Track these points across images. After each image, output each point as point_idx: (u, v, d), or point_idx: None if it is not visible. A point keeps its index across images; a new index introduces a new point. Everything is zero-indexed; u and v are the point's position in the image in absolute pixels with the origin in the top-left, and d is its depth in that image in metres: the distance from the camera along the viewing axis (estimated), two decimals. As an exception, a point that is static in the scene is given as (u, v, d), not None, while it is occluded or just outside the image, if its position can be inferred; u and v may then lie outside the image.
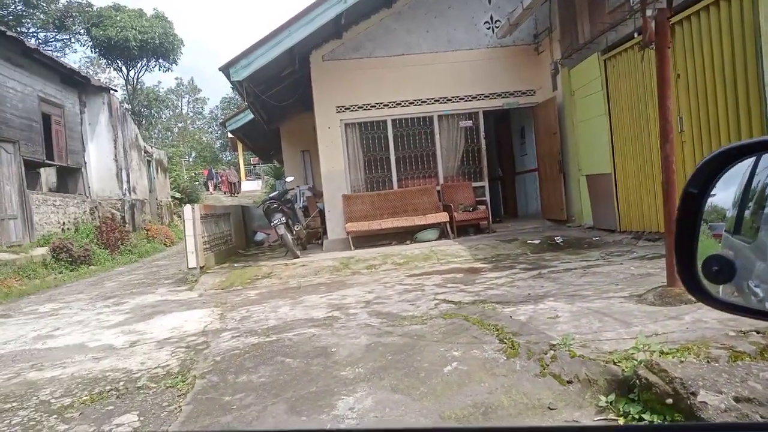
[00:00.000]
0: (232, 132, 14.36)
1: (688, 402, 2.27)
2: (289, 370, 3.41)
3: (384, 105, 10.51)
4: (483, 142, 10.72)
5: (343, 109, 10.45)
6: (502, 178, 13.17)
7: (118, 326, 5.45)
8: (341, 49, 10.40)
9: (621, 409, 2.51)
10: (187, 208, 8.51)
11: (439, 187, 10.51)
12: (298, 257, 9.22)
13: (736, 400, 2.22)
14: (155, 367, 3.83)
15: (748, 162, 0.79)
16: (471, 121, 10.70)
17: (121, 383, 3.54)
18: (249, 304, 5.98)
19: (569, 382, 2.81)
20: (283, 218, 9.25)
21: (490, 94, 10.63)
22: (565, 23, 9.61)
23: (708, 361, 2.57)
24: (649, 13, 3.94)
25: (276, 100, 11.14)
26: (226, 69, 8.66)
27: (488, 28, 10.58)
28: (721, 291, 0.81)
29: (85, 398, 3.32)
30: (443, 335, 3.74)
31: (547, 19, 10.17)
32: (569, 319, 3.70)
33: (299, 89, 11.87)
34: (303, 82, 11.32)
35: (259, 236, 14.21)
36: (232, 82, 9.07)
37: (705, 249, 0.82)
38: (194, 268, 8.48)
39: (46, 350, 4.69)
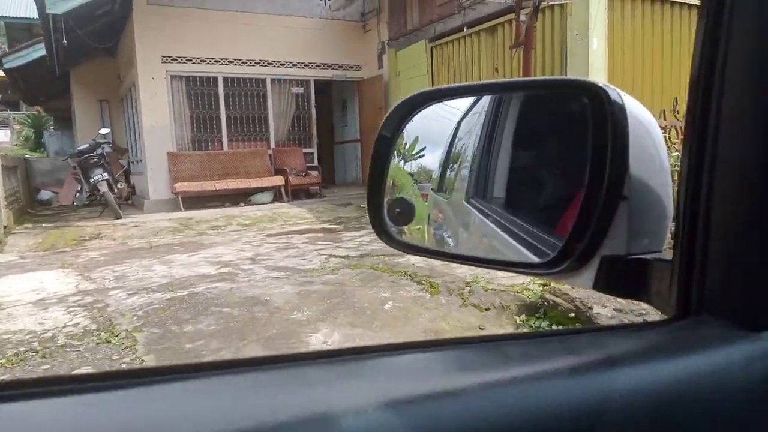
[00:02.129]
0: (7, 70, 11.99)
1: (587, 314, 3.21)
2: (233, 318, 3.52)
3: (215, 61, 10.12)
4: (313, 110, 11.11)
5: (169, 59, 9.75)
6: (320, 146, 13.73)
7: (-56, 292, 4.59)
8: (169, -6, 9.64)
9: (533, 325, 3.36)
10: (-13, 158, 7.20)
11: (270, 151, 10.61)
12: (120, 217, 8.51)
13: (616, 310, 3.22)
14: (62, 327, 3.51)
15: (452, 128, 0.86)
16: (302, 88, 10.98)
17: (35, 343, 3.22)
18: (105, 265, 5.53)
19: (487, 309, 3.58)
20: (105, 174, 8.40)
21: (322, 64, 11.02)
22: (394, 7, 10.47)
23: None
24: (522, 18, 4.87)
25: (90, 39, 9.81)
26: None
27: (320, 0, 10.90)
28: (405, 233, 0.86)
29: (0, 361, 2.97)
30: (362, 282, 4.21)
31: (376, 0, 10.92)
32: (460, 265, 4.51)
33: (112, 32, 10.60)
34: (116, 26, 10.17)
35: (45, 194, 12.36)
36: (43, 15, 7.80)
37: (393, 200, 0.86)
38: (-5, 227, 7.25)
39: None
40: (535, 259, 0.63)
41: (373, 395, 0.32)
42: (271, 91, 10.66)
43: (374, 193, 0.77)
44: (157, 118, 9.71)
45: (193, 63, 9.96)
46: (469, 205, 0.91)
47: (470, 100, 0.89)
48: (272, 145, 10.70)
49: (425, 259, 1.00)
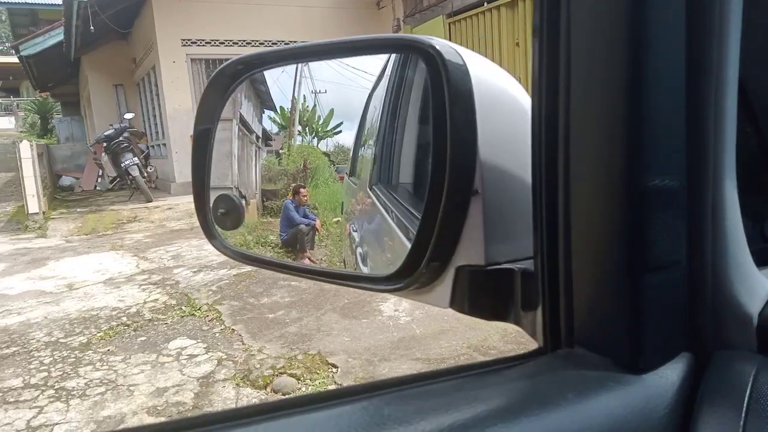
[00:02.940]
0: (22, 57, 12.04)
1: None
2: (304, 290, 3.74)
3: (234, 43, 10.18)
4: (330, 88, 11.21)
5: (189, 42, 9.83)
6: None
7: (9, 275, 4.82)
8: (186, -22, 9.67)
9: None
10: (25, 145, 7.39)
11: (289, 131, 10.74)
12: (151, 200, 8.70)
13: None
14: (143, 303, 3.74)
15: (365, 98, 0.68)
16: (318, 68, 11.05)
17: (123, 318, 3.44)
18: (155, 246, 5.75)
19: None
20: (136, 158, 8.57)
21: (337, 42, 11.08)
22: (410, -17, 10.49)
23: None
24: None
25: (112, 25, 9.87)
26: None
27: (334, -23, 10.90)
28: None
29: (99, 335, 3.20)
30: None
31: (389, -24, 10.92)
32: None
33: (127, 17, 10.63)
34: (131, 11, 10.21)
35: (66, 180, 12.53)
36: (68, 2, 7.88)
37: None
38: (36, 213, 7.47)
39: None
40: (380, 273, 0.53)
41: None
42: (289, 71, 10.74)
43: (198, 191, 0.66)
44: (180, 102, 9.82)
45: (212, 45, 10.03)
46: (371, 193, 0.74)
47: (380, 63, 0.68)
48: (292, 125, 10.83)
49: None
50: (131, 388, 2.53)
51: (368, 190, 0.73)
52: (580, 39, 0.35)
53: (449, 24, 9.59)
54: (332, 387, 2.50)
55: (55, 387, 2.57)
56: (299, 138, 0.74)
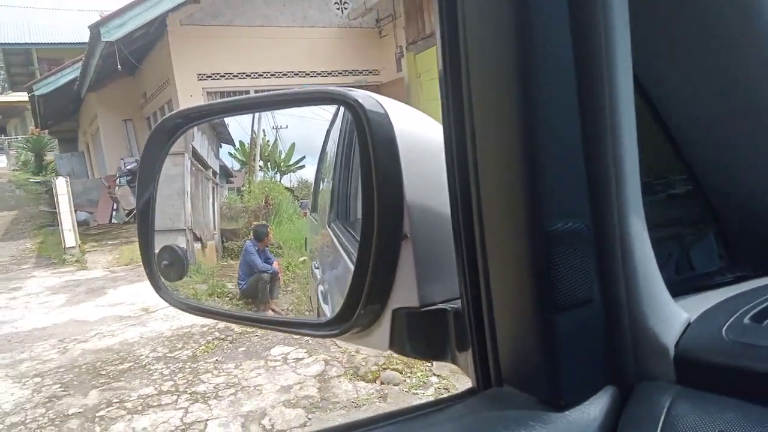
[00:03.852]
0: (35, 96, 12.33)
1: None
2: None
3: (246, 75, 10.61)
4: (338, 115, 11.65)
5: (204, 77, 10.23)
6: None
7: (76, 304, 5.08)
8: (199, 15, 10.11)
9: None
10: (61, 182, 7.67)
11: (302, 157, 11.14)
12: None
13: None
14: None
15: (322, 131, 0.65)
16: (326, 95, 11.50)
17: (216, 333, 3.75)
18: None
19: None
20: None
21: (343, 71, 11.56)
22: (411, 13, 11.04)
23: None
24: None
25: (129, 61, 10.25)
26: (96, 28, 7.90)
27: (338, 9, 11.43)
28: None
29: (201, 348, 3.50)
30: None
31: (389, 6, 11.48)
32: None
33: (139, 53, 11.03)
34: (144, 48, 10.61)
35: (81, 215, 12.69)
36: (93, 42, 8.25)
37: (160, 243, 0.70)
38: (73, 247, 7.74)
39: (51, 327, 4.30)
40: (320, 319, 0.53)
41: None
42: (299, 100, 11.18)
43: (144, 241, 0.67)
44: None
45: (226, 79, 10.44)
46: (329, 231, 0.75)
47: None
48: (304, 152, 11.22)
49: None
50: (258, 388, 2.85)
51: (326, 227, 0.72)
52: (479, 99, 0.37)
53: (453, 49, 10.11)
54: (432, 378, 2.85)
55: (188, 392, 2.87)
56: (261, 174, 0.72)
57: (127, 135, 13.47)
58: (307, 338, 3.47)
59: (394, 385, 2.78)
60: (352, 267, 0.57)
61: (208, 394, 2.82)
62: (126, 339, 3.82)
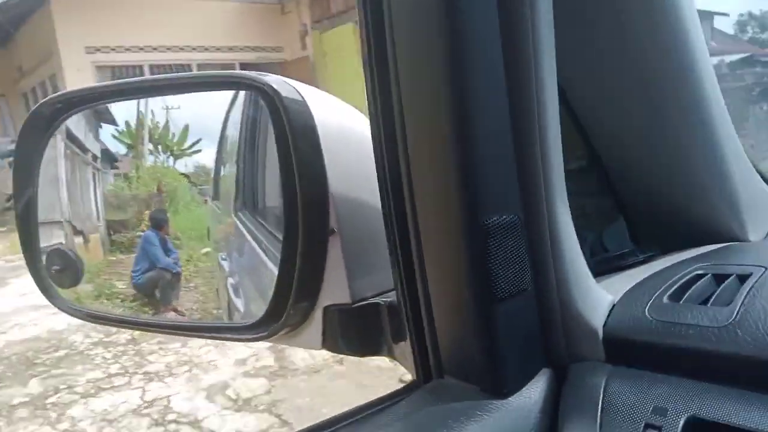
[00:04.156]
0: None
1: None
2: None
3: (140, 48, 10.01)
4: (241, 93, 11.37)
5: (94, 50, 9.53)
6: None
7: None
8: (86, -19, 9.35)
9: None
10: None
11: (204, 136, 10.78)
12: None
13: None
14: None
15: (222, 116, 0.61)
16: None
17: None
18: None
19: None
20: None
21: (245, 46, 11.27)
22: (314, -10, 10.99)
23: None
24: None
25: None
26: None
27: (238, -18, 11.08)
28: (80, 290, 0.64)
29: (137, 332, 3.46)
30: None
31: (291, -18, 11.33)
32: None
33: (10, 21, 9.97)
34: (18, 15, 9.63)
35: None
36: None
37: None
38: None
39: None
40: (233, 322, 0.51)
41: None
42: (199, 76, 10.77)
43: (29, 244, 0.59)
44: (87, 111, 9.49)
45: (118, 52, 9.80)
46: (236, 220, 0.70)
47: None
48: (206, 131, 10.87)
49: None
50: (212, 363, 2.92)
51: (233, 216, 0.67)
52: (409, 96, 0.37)
53: (358, 30, 10.25)
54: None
55: (139, 372, 2.88)
56: (151, 158, 0.66)
57: (1, 111, 12.16)
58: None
59: (345, 350, 2.99)
60: (265, 258, 0.56)
61: (162, 373, 2.85)
62: (52, 327, 3.66)
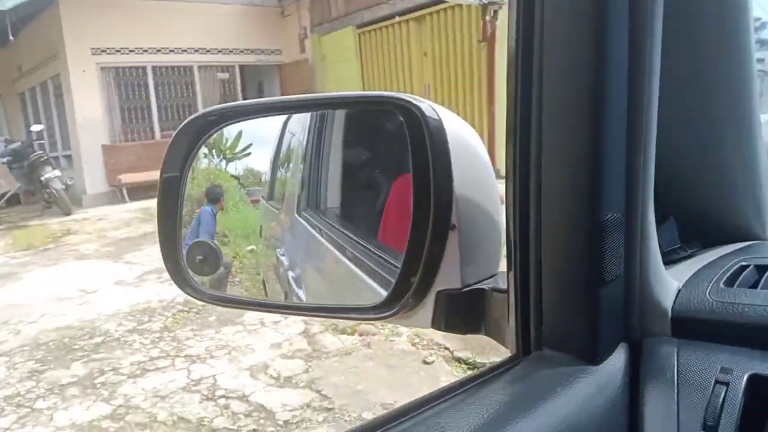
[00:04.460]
0: None
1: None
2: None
3: (144, 50, 10.11)
4: (240, 94, 11.50)
5: (98, 51, 9.61)
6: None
7: (-3, 289, 4.81)
8: (91, -16, 9.44)
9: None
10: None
11: (204, 138, 10.89)
12: (70, 213, 8.48)
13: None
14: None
15: (280, 124, 0.72)
16: (227, 74, 11.31)
17: (178, 306, 3.86)
18: (124, 252, 5.91)
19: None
20: (57, 171, 8.30)
21: (245, 49, 11.41)
22: (315, -5, 11.17)
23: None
24: (487, 18, 6.11)
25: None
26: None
27: (238, -14, 11.22)
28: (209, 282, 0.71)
29: (170, 320, 3.61)
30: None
31: (292, -14, 11.50)
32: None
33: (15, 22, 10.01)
34: (29, 17, 9.69)
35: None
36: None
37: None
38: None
39: None
40: (362, 304, 0.58)
41: None
42: (199, 78, 10.89)
43: (168, 240, 0.65)
44: (90, 111, 9.57)
45: (122, 54, 9.89)
46: (301, 219, 0.79)
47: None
48: (206, 132, 10.98)
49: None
50: (248, 347, 3.09)
51: (296, 215, 0.76)
52: (550, 100, 0.43)
53: (359, 35, 10.45)
54: (401, 329, 3.28)
55: (180, 356, 3.03)
56: (205, 161, 0.70)
57: (-5, 110, 12.16)
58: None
59: (372, 335, 3.18)
60: (340, 256, 0.66)
61: (202, 356, 3.01)
62: (82, 317, 3.79)
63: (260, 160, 0.72)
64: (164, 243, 0.64)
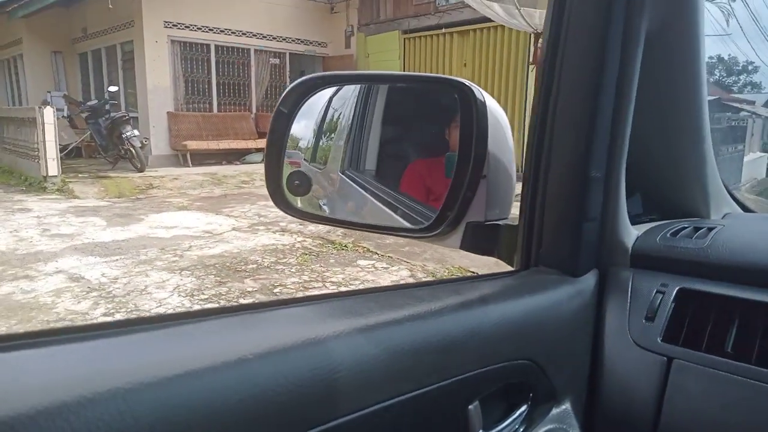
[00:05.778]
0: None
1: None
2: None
3: (209, 29, 11.09)
4: (288, 80, 12.51)
5: (170, 25, 10.58)
6: (271, 110, 14.85)
7: (125, 226, 5.81)
8: (169, -35, 10.38)
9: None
10: (48, 111, 7.93)
11: (253, 116, 11.92)
12: (144, 170, 9.41)
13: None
14: (297, 241, 5.20)
15: (325, 97, 0.89)
16: (279, 59, 12.33)
17: (300, 250, 4.93)
18: (221, 207, 6.92)
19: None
20: (136, 131, 9.27)
21: (296, 38, 12.43)
22: (366, -3, 12.21)
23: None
24: (539, 45, 7.22)
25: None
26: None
27: (296, -21, 12.21)
28: (300, 202, 0.90)
29: (299, 259, 4.71)
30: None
31: (343, -14, 12.51)
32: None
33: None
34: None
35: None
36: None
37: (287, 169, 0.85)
38: (55, 176, 8.05)
39: (130, 240, 5.12)
40: (413, 225, 0.77)
41: (253, 346, 0.37)
42: (254, 60, 11.90)
43: (273, 165, 0.82)
44: (159, 80, 10.54)
45: (191, 30, 10.85)
46: (344, 176, 0.99)
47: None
48: (254, 110, 12.01)
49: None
50: (373, 281, 4.20)
51: (340, 173, 0.99)
52: (564, 94, 0.60)
53: (404, 39, 11.51)
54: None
55: (327, 281, 4.12)
56: None
57: (56, 68, 13.01)
58: (383, 253, 4.85)
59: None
60: (375, 200, 0.91)
61: (343, 282, 4.11)
62: (226, 250, 4.82)
63: (296, 130, 0.83)
64: (269, 168, 0.81)
